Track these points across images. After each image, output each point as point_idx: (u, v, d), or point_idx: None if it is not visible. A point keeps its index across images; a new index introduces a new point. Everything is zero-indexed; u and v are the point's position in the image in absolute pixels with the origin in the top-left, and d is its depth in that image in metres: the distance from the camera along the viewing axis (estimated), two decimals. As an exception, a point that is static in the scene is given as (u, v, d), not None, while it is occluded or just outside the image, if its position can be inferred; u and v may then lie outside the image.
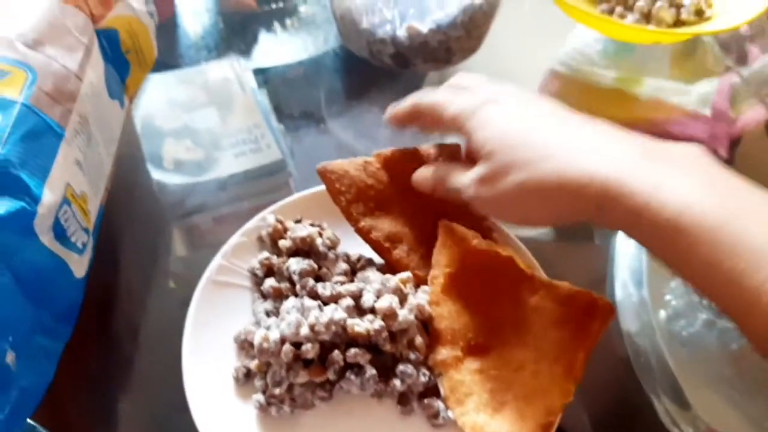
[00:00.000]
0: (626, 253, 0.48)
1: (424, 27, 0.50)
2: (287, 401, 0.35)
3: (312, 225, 0.41)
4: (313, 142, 0.55)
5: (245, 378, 0.37)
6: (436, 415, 0.35)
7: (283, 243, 0.40)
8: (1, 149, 0.32)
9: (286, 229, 0.41)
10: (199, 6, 0.64)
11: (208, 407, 0.35)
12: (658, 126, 0.57)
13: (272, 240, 0.41)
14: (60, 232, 0.35)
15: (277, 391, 0.35)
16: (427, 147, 0.42)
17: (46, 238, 0.34)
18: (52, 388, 0.34)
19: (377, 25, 0.51)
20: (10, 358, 0.31)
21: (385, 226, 0.40)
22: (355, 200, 0.40)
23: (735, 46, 0.65)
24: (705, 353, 0.45)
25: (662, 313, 0.45)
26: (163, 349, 0.39)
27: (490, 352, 0.36)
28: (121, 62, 0.44)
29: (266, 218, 0.41)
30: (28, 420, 0.33)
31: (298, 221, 0.42)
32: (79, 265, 0.37)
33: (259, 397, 0.35)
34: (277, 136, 0.54)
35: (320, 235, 0.40)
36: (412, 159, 0.41)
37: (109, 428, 0.38)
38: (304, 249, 0.39)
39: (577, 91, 0.61)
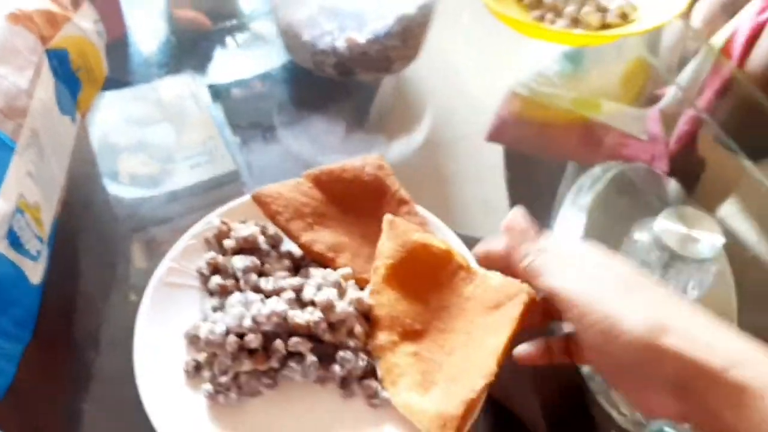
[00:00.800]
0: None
1: (362, 38, 0.53)
2: (234, 389, 0.37)
3: (256, 225, 0.43)
4: (265, 152, 0.57)
5: (195, 371, 0.38)
6: (373, 395, 0.37)
7: (228, 243, 0.42)
8: (-47, 163, 0.34)
9: (230, 230, 0.43)
10: (151, 24, 0.66)
11: (160, 400, 0.37)
12: (610, 149, 0.61)
13: (218, 241, 0.43)
14: (14, 240, 0.36)
15: (223, 379, 0.37)
16: (353, 162, 0.45)
17: (1, 245, 0.35)
18: (16, 390, 0.36)
19: (318, 37, 0.54)
20: (-32, 359, 0.33)
21: (326, 238, 0.43)
22: (292, 218, 0.42)
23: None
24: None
25: None
26: (122, 352, 0.40)
27: (425, 337, 0.39)
28: (72, 80, 0.46)
29: (212, 221, 0.44)
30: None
31: (242, 222, 0.44)
32: (34, 272, 0.38)
33: (208, 386, 0.37)
34: (231, 148, 0.56)
35: (263, 233, 0.43)
36: (340, 175, 0.44)
37: (72, 427, 0.40)
38: (247, 247, 0.42)
39: (535, 111, 0.65)
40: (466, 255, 0.43)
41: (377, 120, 0.61)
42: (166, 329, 0.40)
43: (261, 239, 0.42)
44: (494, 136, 0.61)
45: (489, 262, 0.40)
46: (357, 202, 0.45)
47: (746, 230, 0.56)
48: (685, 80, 0.67)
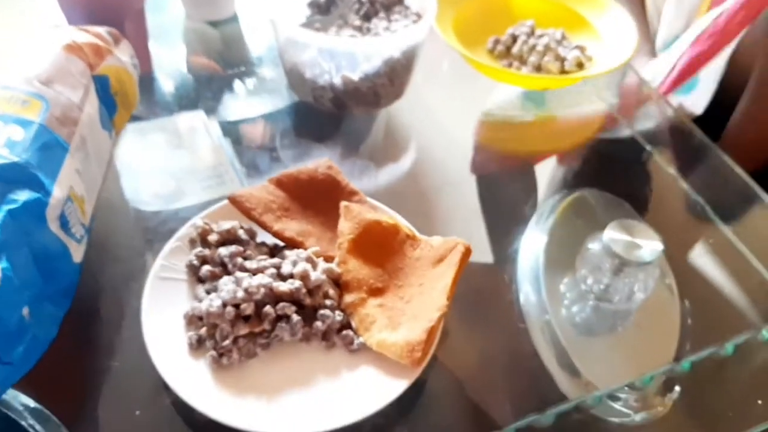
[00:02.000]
0: (527, 260, 0.59)
1: (355, 76, 0.63)
2: (235, 351, 0.44)
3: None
4: (270, 176, 0.65)
5: (197, 343, 0.45)
6: (351, 342, 0.45)
7: (212, 237, 0.50)
8: (24, 155, 0.42)
9: (212, 229, 0.50)
10: (173, 65, 0.75)
11: (172, 368, 0.43)
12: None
13: (202, 238, 0.50)
14: (64, 222, 0.44)
15: (225, 343, 0.44)
16: (307, 166, 0.54)
17: (54, 225, 0.43)
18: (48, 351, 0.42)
19: (318, 75, 0.64)
20: (25, 311, 0.40)
21: (293, 227, 0.51)
22: (264, 212, 0.51)
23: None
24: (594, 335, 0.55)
25: (560, 309, 0.55)
26: (133, 330, 0.46)
27: (386, 292, 0.48)
28: (111, 102, 0.55)
29: (195, 223, 0.51)
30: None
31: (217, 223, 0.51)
32: (77, 252, 0.46)
33: (212, 352, 0.44)
34: (239, 174, 0.63)
35: (241, 227, 0.51)
36: (298, 176, 0.54)
37: (92, 385, 0.46)
38: (229, 239, 0.50)
39: (501, 127, 0.75)
40: (410, 227, 0.52)
41: (369, 150, 0.69)
42: (163, 314, 0.46)
43: (240, 231, 0.50)
44: (475, 167, 0.70)
45: None
46: (314, 197, 0.54)
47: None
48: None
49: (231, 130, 0.68)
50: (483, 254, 0.59)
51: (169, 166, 0.64)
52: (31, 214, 0.41)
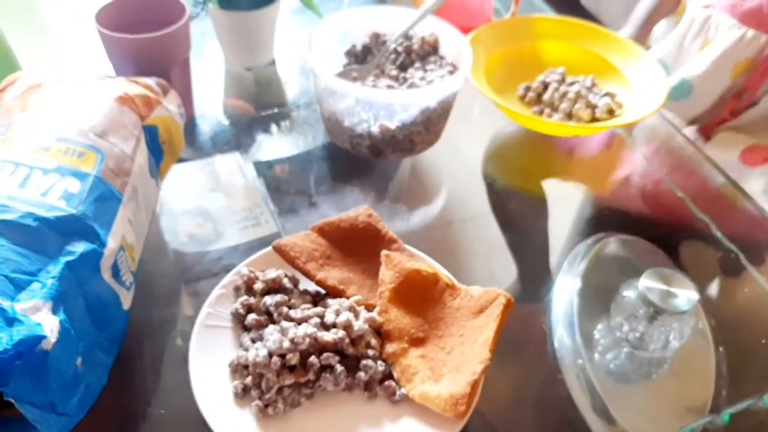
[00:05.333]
0: (561, 303, 0.59)
1: (392, 125, 0.65)
2: (280, 401, 0.45)
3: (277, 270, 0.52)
4: (305, 218, 0.66)
5: (243, 392, 0.46)
6: (393, 393, 0.46)
7: (257, 286, 0.51)
8: (81, 206, 0.44)
9: (257, 277, 0.52)
10: (211, 108, 0.78)
11: (218, 417, 0.44)
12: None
13: (247, 286, 0.52)
14: (116, 272, 0.46)
15: (271, 394, 0.45)
16: (348, 213, 0.55)
17: (107, 275, 0.45)
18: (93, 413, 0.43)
19: (356, 124, 0.65)
20: (79, 361, 0.41)
21: (335, 275, 0.52)
22: (308, 261, 0.52)
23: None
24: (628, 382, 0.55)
25: (594, 354, 0.55)
26: (178, 376, 0.47)
27: (427, 343, 0.49)
28: (158, 151, 0.56)
29: (240, 271, 0.52)
30: None
31: (263, 271, 0.53)
32: (126, 299, 0.47)
33: (258, 402, 0.45)
34: (274, 215, 0.65)
35: (285, 276, 0.52)
36: (339, 224, 0.55)
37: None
38: (274, 287, 0.51)
39: (533, 171, 0.76)
40: (449, 276, 0.53)
41: (396, 194, 0.71)
42: (209, 362, 0.47)
43: (285, 280, 0.51)
44: (507, 211, 0.70)
45: None
46: (355, 245, 0.55)
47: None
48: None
49: (265, 171, 0.70)
50: (516, 296, 0.60)
51: (206, 208, 0.66)
52: (87, 265, 0.43)
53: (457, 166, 0.75)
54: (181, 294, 0.58)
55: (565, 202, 0.73)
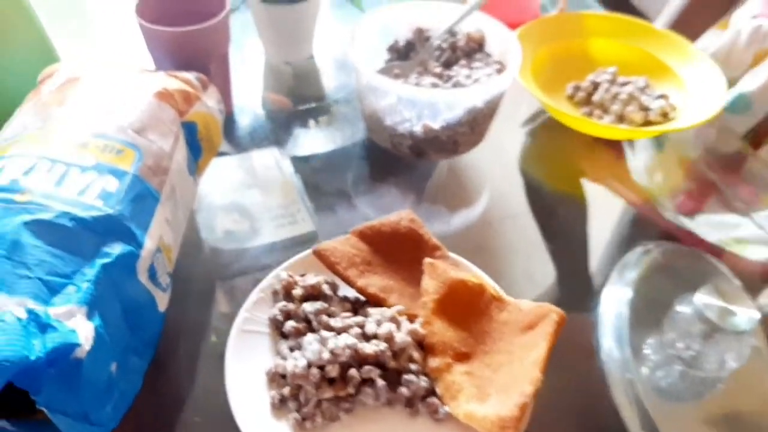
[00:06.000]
0: (610, 314, 0.56)
1: (436, 125, 0.62)
2: (318, 415, 0.43)
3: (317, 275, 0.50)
4: (342, 217, 0.64)
5: (280, 403, 0.44)
6: (436, 411, 0.44)
7: (296, 292, 0.49)
8: (119, 206, 0.43)
9: (296, 282, 0.50)
10: (249, 103, 0.76)
11: (255, 429, 0.42)
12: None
13: (286, 291, 0.50)
14: (153, 274, 0.44)
15: (309, 407, 0.43)
16: (390, 217, 0.53)
17: (144, 277, 0.43)
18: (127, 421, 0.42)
19: (398, 123, 0.63)
20: (113, 367, 0.40)
21: (376, 281, 0.50)
22: (348, 267, 0.50)
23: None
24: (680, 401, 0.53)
25: (643, 369, 0.53)
26: (212, 377, 0.46)
27: (473, 358, 0.46)
28: (197, 147, 0.55)
29: (279, 275, 0.51)
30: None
31: (302, 275, 0.51)
32: (162, 301, 0.46)
33: (295, 415, 0.44)
34: (310, 212, 0.63)
35: (325, 281, 0.50)
36: (380, 229, 0.53)
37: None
38: (314, 294, 0.49)
39: (581, 173, 0.72)
40: (495, 286, 0.50)
41: (435, 194, 0.68)
42: (246, 368, 0.46)
43: (324, 286, 0.49)
44: (553, 214, 0.68)
45: None
46: (397, 251, 0.53)
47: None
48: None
49: (303, 167, 0.68)
50: (559, 303, 0.57)
51: (243, 203, 0.64)
52: (124, 267, 0.42)
53: (499, 165, 0.72)
54: (217, 292, 0.56)
55: (611, 204, 0.70)
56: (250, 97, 0.77)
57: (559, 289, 0.60)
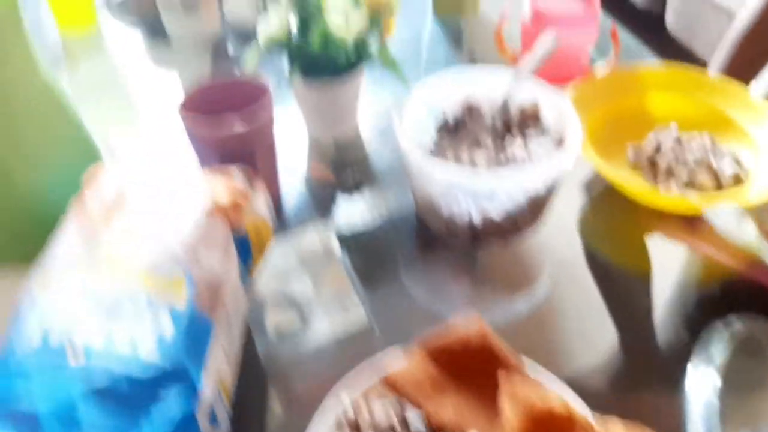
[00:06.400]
0: (697, 403, 0.52)
1: (497, 216, 0.59)
2: None
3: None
4: (394, 304, 0.61)
5: None
6: None
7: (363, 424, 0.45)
8: (175, 354, 0.40)
9: (362, 419, 0.46)
10: (294, 183, 0.74)
11: None
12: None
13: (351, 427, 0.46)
14: (213, 419, 0.42)
15: None
16: (458, 330, 0.50)
17: (204, 426, 0.41)
18: None
19: (456, 213, 0.59)
20: None
21: (450, 411, 0.46)
22: (420, 396, 0.47)
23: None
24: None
25: None
26: None
27: None
28: (248, 255, 0.52)
29: (340, 396, 0.47)
30: None
31: (365, 396, 0.47)
32: (223, 441, 0.43)
33: None
34: (360, 295, 0.60)
35: (395, 416, 0.45)
36: (450, 346, 0.49)
37: None
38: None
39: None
40: (581, 408, 0.47)
41: (489, 273, 0.65)
42: None
43: (394, 420, 0.45)
44: (618, 294, 0.63)
45: None
46: (470, 372, 0.49)
47: None
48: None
49: (349, 244, 0.66)
50: (644, 388, 0.54)
51: (291, 292, 0.61)
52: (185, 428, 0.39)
53: (558, 238, 0.68)
54: (268, 395, 0.54)
55: (682, 274, 0.65)
56: (293, 172, 0.74)
57: (638, 372, 0.56)
